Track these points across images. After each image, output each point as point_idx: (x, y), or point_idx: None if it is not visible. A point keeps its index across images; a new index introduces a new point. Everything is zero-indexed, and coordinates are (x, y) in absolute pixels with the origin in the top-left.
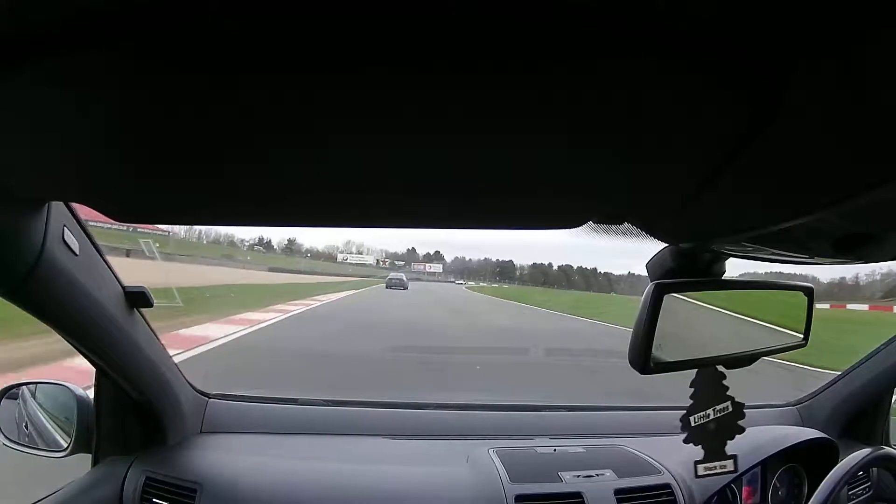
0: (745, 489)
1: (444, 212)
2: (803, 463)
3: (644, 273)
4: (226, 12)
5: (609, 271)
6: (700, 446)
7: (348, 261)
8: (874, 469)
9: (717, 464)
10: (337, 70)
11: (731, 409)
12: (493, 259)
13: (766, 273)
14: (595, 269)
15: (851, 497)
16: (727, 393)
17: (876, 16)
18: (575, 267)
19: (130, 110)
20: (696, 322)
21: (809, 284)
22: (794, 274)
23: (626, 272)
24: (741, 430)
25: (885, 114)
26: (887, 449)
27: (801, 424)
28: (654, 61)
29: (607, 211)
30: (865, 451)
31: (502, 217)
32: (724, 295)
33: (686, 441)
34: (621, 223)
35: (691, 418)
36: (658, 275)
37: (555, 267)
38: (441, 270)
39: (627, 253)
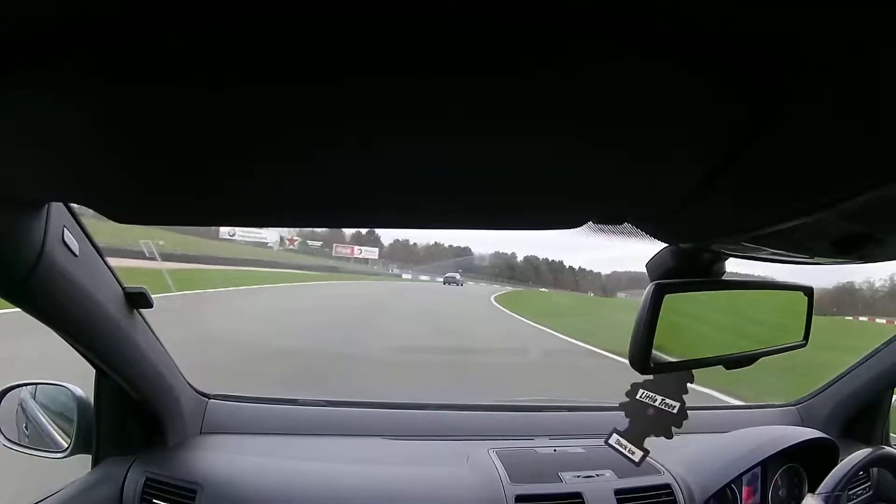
0: (745, 489)
1: (443, 213)
2: (803, 463)
3: (599, 269)
4: (226, 16)
5: (573, 265)
6: (629, 421)
7: (236, 237)
8: (874, 469)
9: (629, 446)
10: (332, 74)
11: (675, 411)
12: (446, 245)
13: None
14: (562, 263)
15: (851, 497)
16: (682, 396)
17: (876, 16)
18: (541, 258)
19: (130, 112)
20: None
21: (809, 285)
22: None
23: (593, 268)
24: (669, 435)
25: (885, 114)
26: (887, 449)
27: (801, 424)
28: (654, 61)
29: (607, 211)
30: (865, 451)
31: (502, 218)
32: (724, 295)
33: (620, 406)
34: (621, 223)
35: (640, 391)
36: (658, 275)
37: (519, 258)
38: (376, 257)
39: (586, 245)
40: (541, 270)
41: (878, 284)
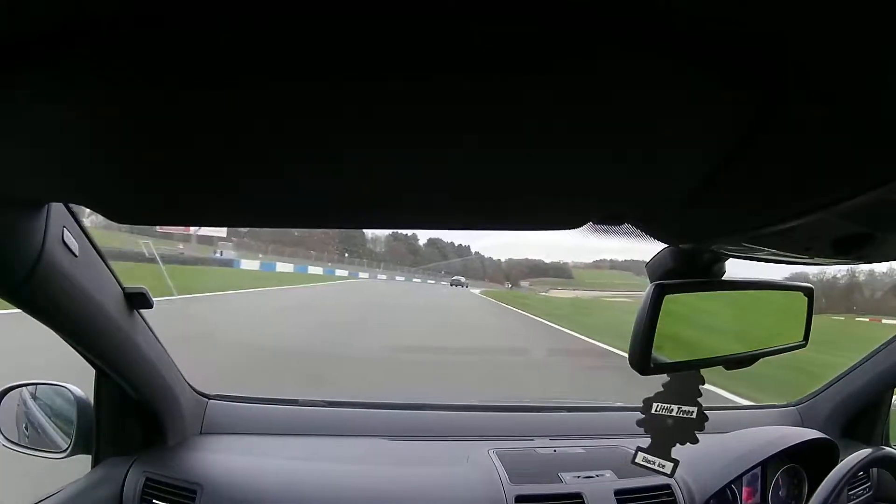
0: (745, 489)
1: (444, 212)
2: (803, 463)
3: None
4: (224, 17)
5: (479, 251)
6: (651, 436)
7: None
8: (874, 469)
9: (657, 460)
10: (331, 75)
11: (694, 416)
12: None
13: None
14: (469, 248)
15: (851, 497)
16: (698, 399)
17: (876, 16)
18: (447, 241)
19: (129, 113)
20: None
21: (809, 285)
22: None
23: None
24: (695, 440)
25: (884, 114)
26: (887, 449)
27: (802, 424)
28: (654, 61)
29: (607, 211)
30: (865, 451)
31: (502, 218)
32: (723, 295)
33: (638, 423)
34: (621, 223)
35: (654, 405)
36: (658, 275)
37: (421, 241)
38: (224, 235)
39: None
40: (448, 255)
41: (839, 277)
